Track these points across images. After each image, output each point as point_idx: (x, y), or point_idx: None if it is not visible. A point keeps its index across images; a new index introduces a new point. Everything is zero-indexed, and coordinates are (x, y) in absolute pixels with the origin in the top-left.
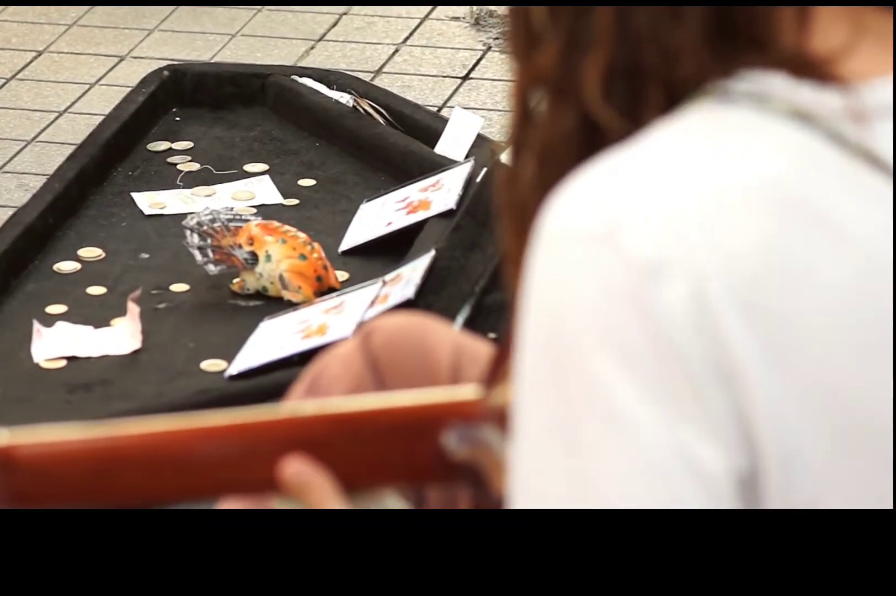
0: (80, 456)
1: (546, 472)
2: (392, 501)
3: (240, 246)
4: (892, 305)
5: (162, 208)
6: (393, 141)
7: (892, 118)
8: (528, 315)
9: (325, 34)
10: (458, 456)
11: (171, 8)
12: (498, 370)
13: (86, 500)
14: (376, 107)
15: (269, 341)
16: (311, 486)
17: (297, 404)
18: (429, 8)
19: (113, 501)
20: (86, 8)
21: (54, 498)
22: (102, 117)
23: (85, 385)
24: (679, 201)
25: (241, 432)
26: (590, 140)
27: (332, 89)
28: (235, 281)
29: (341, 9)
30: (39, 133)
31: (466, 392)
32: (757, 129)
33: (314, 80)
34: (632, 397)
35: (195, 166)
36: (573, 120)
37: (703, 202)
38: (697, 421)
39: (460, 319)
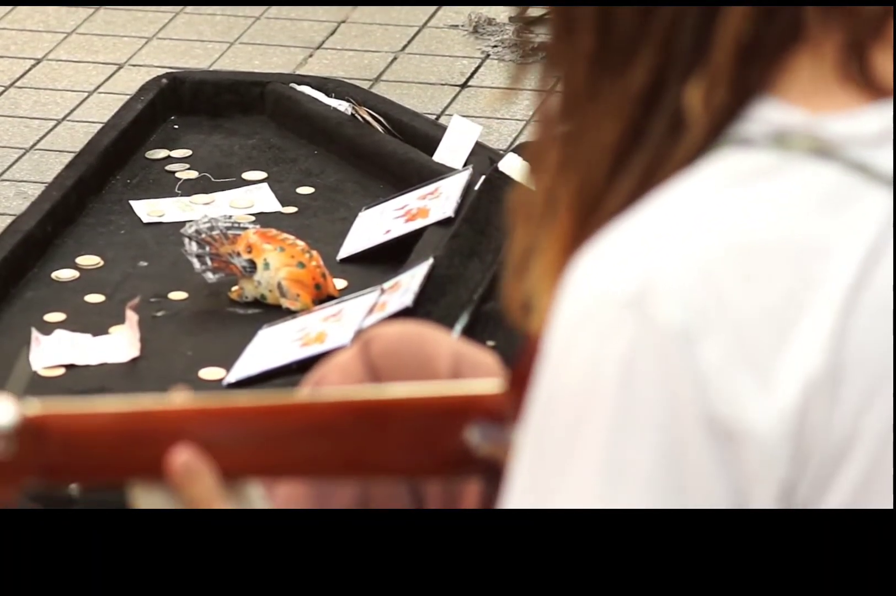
0: (109, 428)
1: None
2: (258, 500)
3: (238, 254)
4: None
5: (160, 216)
6: (391, 149)
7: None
8: (546, 370)
9: (323, 42)
10: (480, 452)
11: (169, 16)
12: (522, 375)
13: (113, 471)
14: (375, 115)
15: (267, 349)
16: (196, 477)
17: (320, 391)
18: (427, 16)
19: (139, 474)
20: (84, 16)
21: (83, 468)
22: (101, 125)
23: (84, 393)
24: (708, 262)
25: (268, 415)
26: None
27: (331, 97)
28: (234, 289)
29: (340, 16)
30: (38, 141)
31: (488, 386)
32: (778, 174)
33: (313, 87)
34: (646, 469)
35: (193, 174)
36: (615, 133)
37: (734, 260)
38: (717, 484)
39: (459, 326)
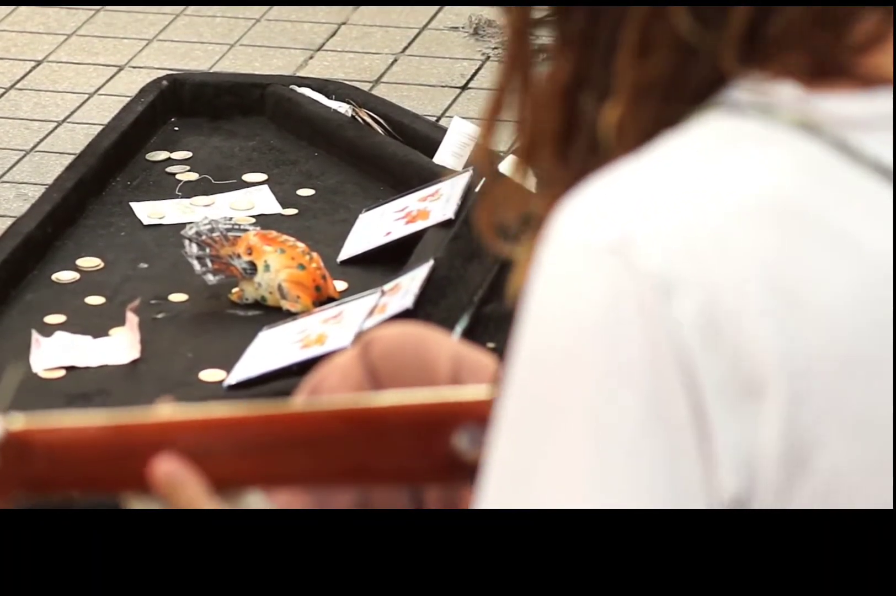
0: (94, 442)
1: (525, 477)
2: (258, 505)
3: (238, 256)
4: (892, 314)
5: (161, 218)
6: (392, 151)
7: (892, 127)
8: (527, 322)
9: (323, 44)
10: (470, 457)
11: (170, 18)
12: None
13: (100, 485)
14: (375, 116)
15: (267, 351)
16: (182, 486)
17: (311, 400)
18: (428, 18)
19: (125, 488)
20: (85, 18)
21: (68, 483)
22: (101, 127)
23: (84, 395)
24: (689, 214)
25: (255, 425)
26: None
27: (331, 99)
28: (234, 291)
29: (340, 18)
30: (38, 143)
31: (479, 392)
32: (764, 140)
33: (313, 89)
34: (628, 413)
35: (194, 176)
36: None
37: (713, 215)
38: (690, 442)
39: (459, 328)
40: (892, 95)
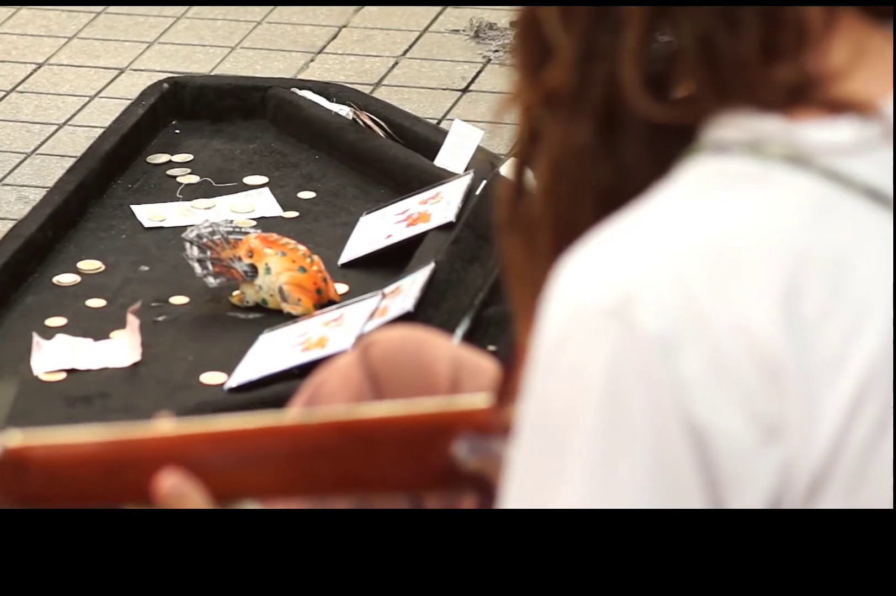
0: (91, 458)
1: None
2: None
3: (239, 258)
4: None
5: (162, 221)
6: (392, 153)
7: (891, 143)
8: (533, 384)
9: (324, 47)
10: (468, 466)
11: (170, 20)
12: (510, 388)
13: (95, 501)
14: (376, 119)
15: (268, 354)
16: (187, 499)
17: (308, 411)
18: (428, 20)
19: (123, 503)
20: (86, 20)
21: (65, 499)
22: (102, 130)
23: (84, 398)
24: (686, 268)
25: (250, 438)
26: (603, 153)
27: (332, 102)
28: (235, 293)
29: (340, 21)
30: (39, 145)
31: (476, 401)
32: (755, 180)
33: (314, 92)
34: (630, 479)
35: (195, 179)
36: (586, 133)
37: (711, 266)
38: (700, 501)
39: (460, 331)
40: (874, 120)
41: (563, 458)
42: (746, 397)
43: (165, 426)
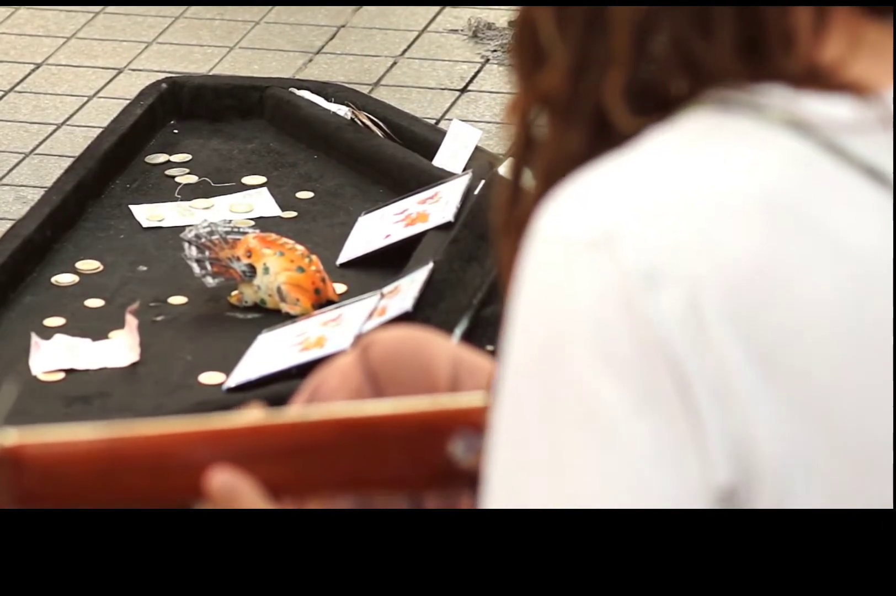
0: (88, 457)
1: (526, 475)
2: None
3: (238, 258)
4: (890, 315)
5: (160, 221)
6: (391, 153)
7: (891, 129)
8: (517, 320)
9: (322, 47)
10: (465, 464)
11: (169, 20)
12: None
13: (92, 500)
14: (374, 119)
15: (267, 354)
16: (238, 495)
17: (305, 409)
18: (427, 20)
19: (119, 502)
20: (84, 20)
21: (61, 498)
22: (100, 130)
23: (83, 398)
24: (674, 209)
25: (248, 436)
26: (595, 159)
27: (331, 102)
28: (233, 293)
29: (339, 21)
30: (37, 145)
31: (474, 399)
32: (753, 137)
33: (312, 92)
34: (618, 406)
35: (193, 179)
36: (580, 141)
37: (699, 210)
38: (684, 434)
39: (458, 331)
40: (873, 103)
41: (552, 390)
42: (713, 347)
43: (160, 425)
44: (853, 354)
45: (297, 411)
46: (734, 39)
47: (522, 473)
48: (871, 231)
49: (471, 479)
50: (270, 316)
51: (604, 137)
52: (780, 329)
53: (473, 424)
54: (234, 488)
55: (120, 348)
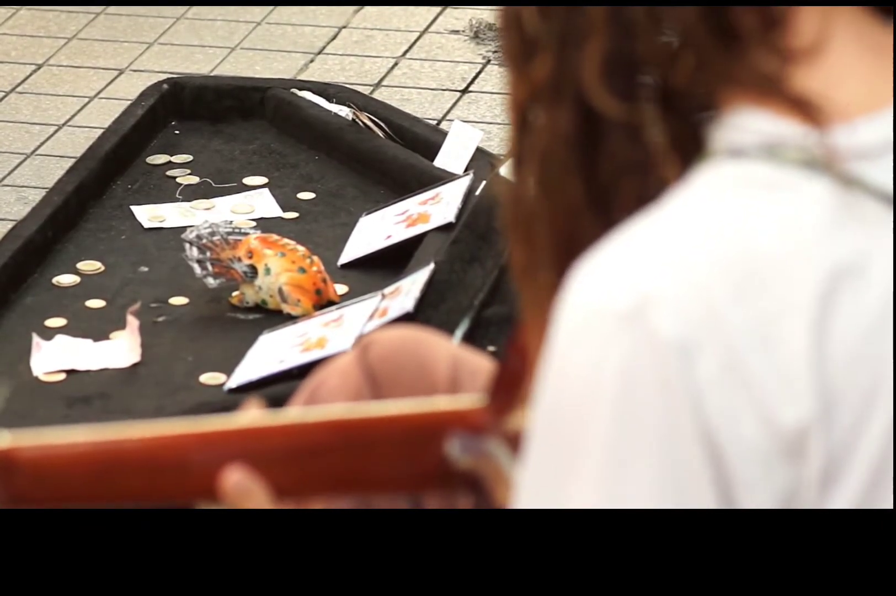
0: (81, 459)
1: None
2: None
3: (239, 259)
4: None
5: (161, 221)
6: (392, 154)
7: (890, 151)
8: (545, 389)
9: (324, 47)
10: (461, 465)
11: (170, 21)
12: (512, 395)
13: (85, 502)
14: (375, 120)
15: (268, 354)
16: (249, 495)
17: (301, 411)
18: (428, 21)
19: (112, 504)
20: (85, 21)
21: (54, 500)
22: (102, 130)
23: (84, 398)
24: (703, 272)
25: (243, 438)
26: (588, 141)
27: (332, 102)
28: (234, 294)
29: (340, 22)
30: (39, 146)
31: (470, 401)
32: (773, 186)
33: (313, 93)
34: (644, 485)
35: (194, 179)
36: (571, 121)
37: (728, 270)
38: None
39: (459, 332)
40: (878, 124)
41: (576, 459)
42: (763, 405)
43: (152, 427)
44: (883, 379)
45: (296, 413)
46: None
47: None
48: (889, 260)
49: (466, 480)
50: (271, 317)
51: (591, 119)
52: (823, 374)
53: (470, 425)
54: (247, 488)
55: (121, 349)
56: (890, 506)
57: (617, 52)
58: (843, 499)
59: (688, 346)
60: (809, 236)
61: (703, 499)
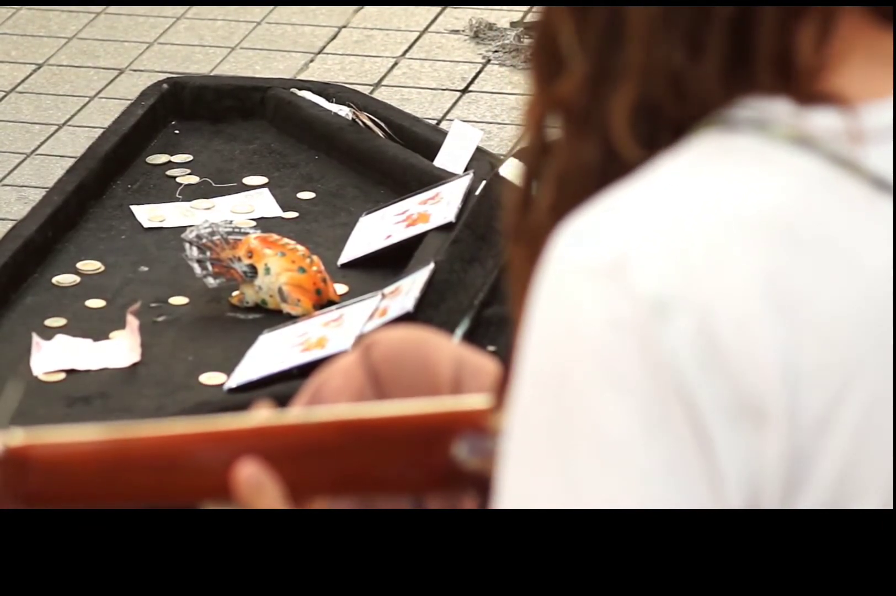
0: (92, 457)
1: (535, 495)
2: None
3: (239, 259)
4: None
5: (161, 221)
6: (392, 154)
7: (892, 140)
8: (529, 345)
9: (324, 47)
10: (469, 466)
11: (170, 21)
12: (506, 393)
13: (96, 500)
14: (375, 120)
15: (268, 354)
16: (262, 490)
17: (308, 410)
18: (428, 21)
19: (123, 502)
20: (86, 21)
21: (66, 498)
22: (102, 130)
23: (84, 398)
24: (684, 234)
25: (251, 437)
26: (608, 171)
27: (332, 102)
28: (234, 294)
29: (340, 22)
30: (39, 146)
31: (477, 401)
32: (759, 156)
33: (313, 93)
34: (629, 432)
35: (194, 179)
36: (594, 152)
37: (708, 234)
38: (693, 459)
39: (460, 331)
40: (888, 110)
41: (561, 415)
42: (730, 368)
43: (163, 425)
44: (865, 366)
45: (300, 413)
46: (722, 62)
47: (531, 494)
48: (880, 243)
49: (474, 481)
50: (272, 316)
51: (613, 158)
52: (795, 347)
53: (477, 426)
54: (260, 483)
55: (121, 349)
56: (867, 502)
57: (647, 99)
58: (811, 496)
59: (665, 302)
60: (780, 204)
61: (686, 454)
